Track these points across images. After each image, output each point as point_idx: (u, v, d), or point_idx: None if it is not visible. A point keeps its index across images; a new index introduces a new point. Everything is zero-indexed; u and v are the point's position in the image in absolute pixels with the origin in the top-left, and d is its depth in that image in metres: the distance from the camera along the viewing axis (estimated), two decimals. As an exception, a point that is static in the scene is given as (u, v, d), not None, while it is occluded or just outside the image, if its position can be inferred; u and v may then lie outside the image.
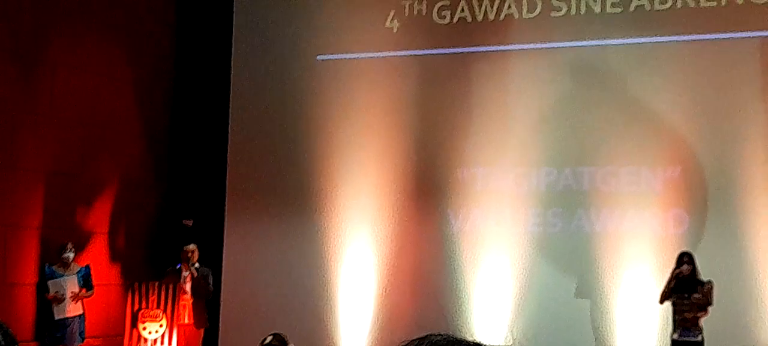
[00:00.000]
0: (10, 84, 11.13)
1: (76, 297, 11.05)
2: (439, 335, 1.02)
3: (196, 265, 11.52)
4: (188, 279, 11.39)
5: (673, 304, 10.44)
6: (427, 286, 12.07)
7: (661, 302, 10.46)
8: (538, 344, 11.16)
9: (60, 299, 10.96)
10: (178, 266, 11.54)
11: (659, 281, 10.87)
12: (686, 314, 10.32)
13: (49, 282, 11.02)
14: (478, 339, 1.00)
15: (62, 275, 11.08)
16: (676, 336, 10.35)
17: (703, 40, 11.47)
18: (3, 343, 1.14)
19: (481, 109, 12.12)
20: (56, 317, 10.98)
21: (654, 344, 11.16)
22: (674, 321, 10.39)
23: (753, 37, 11.28)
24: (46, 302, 11.11)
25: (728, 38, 11.36)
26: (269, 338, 6.97)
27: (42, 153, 11.51)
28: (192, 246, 11.53)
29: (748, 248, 11.03)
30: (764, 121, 11.16)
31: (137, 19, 12.95)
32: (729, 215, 11.18)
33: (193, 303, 11.41)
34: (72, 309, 11.06)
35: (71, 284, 11.08)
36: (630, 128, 11.56)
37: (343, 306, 12.41)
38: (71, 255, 11.20)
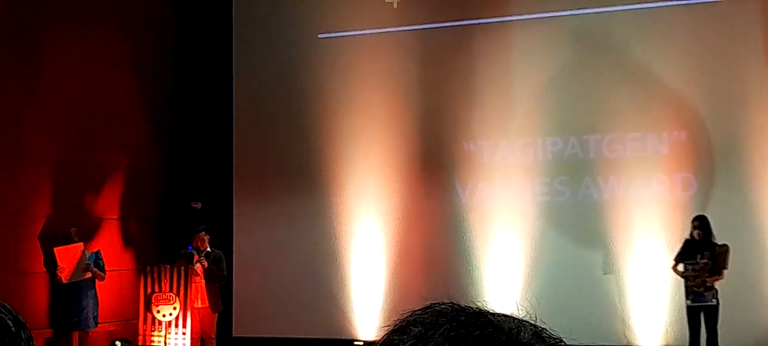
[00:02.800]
0: (12, 75, 11.17)
1: (87, 268, 11.12)
2: (444, 303, 1.03)
3: (208, 249, 11.54)
4: (200, 268, 11.42)
5: (684, 269, 10.44)
6: (438, 259, 12.12)
7: (674, 267, 10.45)
8: (550, 312, 11.09)
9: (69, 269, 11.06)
10: (189, 249, 11.59)
11: (669, 246, 10.91)
12: (697, 279, 10.30)
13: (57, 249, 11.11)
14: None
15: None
16: (689, 302, 10.35)
17: (705, 3, 11.45)
18: (13, 329, 1.16)
19: (485, 81, 12.13)
20: (65, 282, 11.04)
21: (666, 309, 11.20)
22: (686, 287, 10.39)
23: (755, -3, 11.28)
24: (58, 288, 11.19)
25: (729, 0, 11.35)
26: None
27: (48, 142, 11.56)
28: (201, 234, 11.53)
29: (758, 208, 11.05)
30: (767, 81, 11.15)
31: (137, 4, 12.97)
32: (737, 175, 11.20)
33: (206, 287, 11.45)
34: (81, 275, 11.12)
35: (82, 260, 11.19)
36: (634, 94, 11.57)
37: (355, 282, 12.47)
38: (77, 240, 11.28)
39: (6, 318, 1.17)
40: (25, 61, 11.37)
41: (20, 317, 1.20)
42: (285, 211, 12.81)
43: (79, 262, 11.14)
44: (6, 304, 1.20)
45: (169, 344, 11.33)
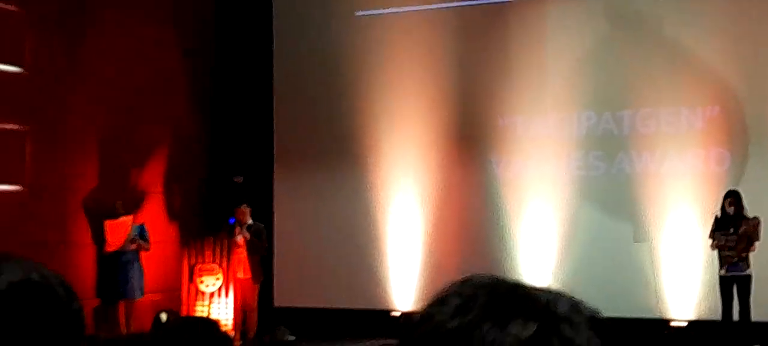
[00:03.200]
0: (57, 51, 11.38)
1: (133, 240, 11.41)
2: (482, 275, 1.05)
3: (249, 222, 11.74)
4: (241, 240, 11.61)
5: (718, 239, 10.46)
6: (473, 233, 12.24)
7: (712, 245, 10.49)
8: (584, 285, 11.27)
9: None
10: (231, 221, 11.78)
11: (703, 220, 10.94)
12: (731, 250, 10.33)
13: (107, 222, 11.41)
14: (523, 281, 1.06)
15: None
16: (722, 272, 10.40)
17: (739, -22, 11.43)
18: (65, 299, 1.23)
19: (519, 57, 12.19)
20: (107, 250, 11.34)
21: (699, 283, 11.25)
22: (721, 257, 10.42)
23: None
24: (105, 260, 11.48)
25: (764, -24, 11.31)
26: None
27: (93, 117, 11.79)
28: (243, 208, 11.73)
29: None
30: (803, 57, 11.12)
31: (179, -18, 13.18)
32: (770, 150, 11.21)
33: (248, 258, 11.64)
34: (128, 246, 11.41)
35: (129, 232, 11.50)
36: (668, 69, 11.58)
37: (392, 255, 12.63)
38: (123, 213, 11.54)
39: (58, 289, 1.22)
40: (71, 37, 11.59)
41: (70, 286, 1.25)
42: (324, 184, 12.98)
43: (127, 235, 11.44)
44: (58, 274, 1.26)
45: (213, 314, 11.54)
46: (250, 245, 11.62)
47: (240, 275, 11.65)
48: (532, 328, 0.98)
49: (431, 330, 1.00)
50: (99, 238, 11.57)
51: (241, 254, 11.64)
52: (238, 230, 11.61)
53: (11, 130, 10.86)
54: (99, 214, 11.59)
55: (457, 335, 0.98)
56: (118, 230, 11.44)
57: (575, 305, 1.02)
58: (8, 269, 1.21)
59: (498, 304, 1.00)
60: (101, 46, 11.92)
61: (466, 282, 1.04)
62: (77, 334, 1.25)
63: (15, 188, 10.92)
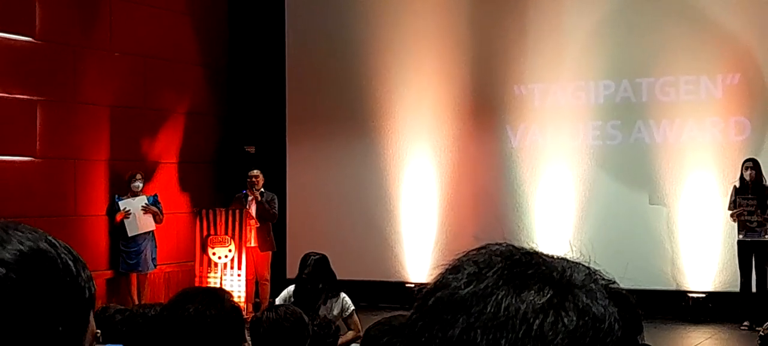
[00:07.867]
0: (70, 20, 11.34)
1: (146, 210, 11.37)
2: (498, 243, 1.04)
3: (261, 189, 11.72)
4: (253, 203, 11.61)
5: (739, 205, 10.42)
6: (488, 203, 12.15)
7: (732, 215, 10.44)
8: (600, 257, 11.13)
9: (129, 216, 11.28)
10: (244, 192, 11.77)
11: (722, 190, 10.86)
12: (751, 216, 10.30)
13: (120, 202, 11.35)
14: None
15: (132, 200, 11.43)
16: (741, 237, 10.37)
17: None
18: (74, 268, 1.21)
19: (537, 24, 12.04)
20: (130, 234, 11.31)
21: (717, 254, 11.14)
22: (739, 222, 10.39)
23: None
24: (118, 231, 11.43)
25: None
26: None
27: (105, 87, 11.75)
28: (256, 171, 11.74)
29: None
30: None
31: (192, -50, 13.05)
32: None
33: (259, 228, 11.62)
34: (144, 224, 11.37)
35: (140, 203, 11.42)
36: (687, 36, 11.43)
37: (406, 223, 12.56)
38: (140, 184, 11.52)
39: (67, 258, 1.21)
40: (82, 5, 11.53)
41: (80, 257, 1.24)
42: (337, 154, 12.90)
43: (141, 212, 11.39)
44: (67, 245, 1.24)
45: (225, 285, 11.51)
46: (261, 212, 11.59)
47: (251, 243, 11.62)
48: (547, 295, 0.97)
49: (446, 297, 1.00)
50: (111, 209, 11.53)
51: (254, 225, 11.62)
52: (250, 191, 11.60)
53: (22, 99, 10.82)
54: (111, 184, 11.55)
55: (471, 301, 0.98)
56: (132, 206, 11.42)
57: (591, 274, 1.02)
58: (17, 237, 1.19)
59: (513, 271, 0.99)
60: (113, 14, 11.85)
61: (481, 250, 1.04)
62: (87, 303, 1.22)
63: (26, 158, 10.88)
